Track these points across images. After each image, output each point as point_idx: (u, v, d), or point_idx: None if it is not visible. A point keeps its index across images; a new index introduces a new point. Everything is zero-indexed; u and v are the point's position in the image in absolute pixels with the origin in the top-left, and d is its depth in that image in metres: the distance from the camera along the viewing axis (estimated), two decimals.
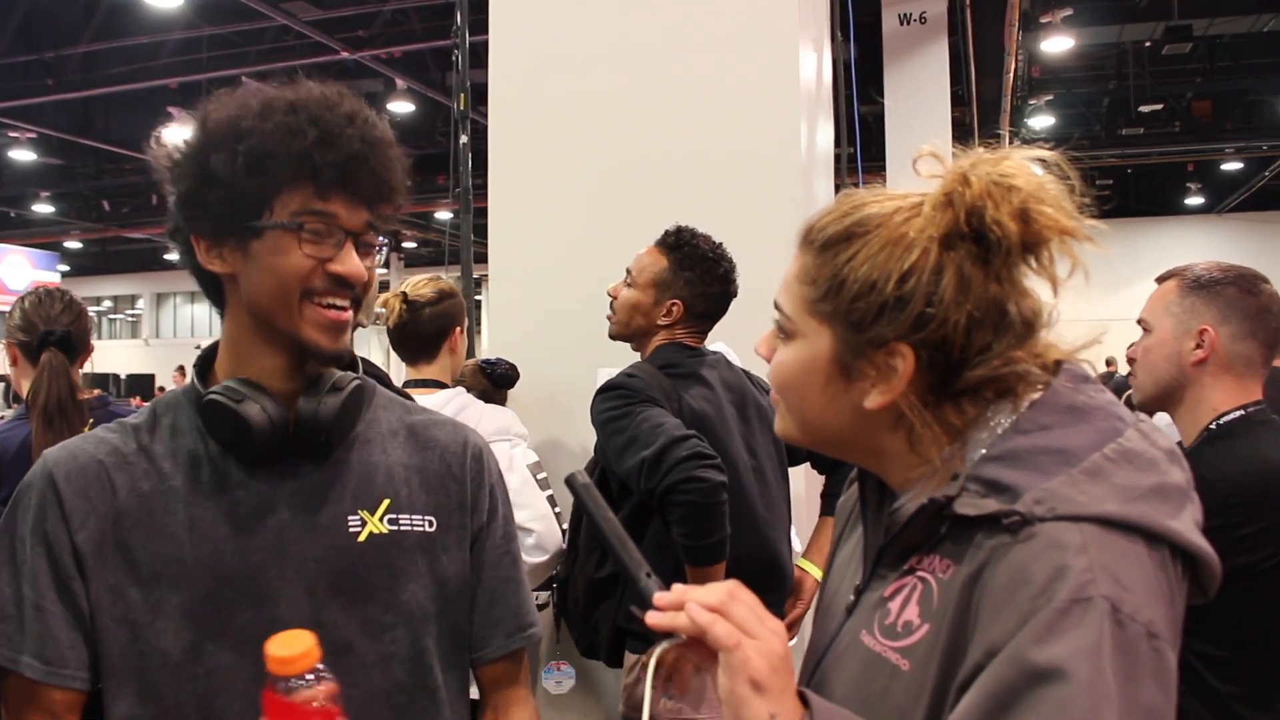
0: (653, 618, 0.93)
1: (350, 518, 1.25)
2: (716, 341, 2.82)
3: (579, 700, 3.06)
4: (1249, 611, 1.74)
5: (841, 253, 0.99)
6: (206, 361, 1.30)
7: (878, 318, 0.96)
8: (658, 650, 0.96)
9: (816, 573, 2.48)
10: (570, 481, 1.08)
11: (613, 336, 2.57)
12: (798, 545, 2.87)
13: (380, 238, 1.24)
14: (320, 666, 1.00)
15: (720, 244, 2.50)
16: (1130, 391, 2.05)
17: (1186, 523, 0.91)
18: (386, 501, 1.27)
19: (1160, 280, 2.06)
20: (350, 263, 1.19)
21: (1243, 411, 1.91)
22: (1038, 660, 0.83)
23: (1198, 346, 1.93)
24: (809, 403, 1.03)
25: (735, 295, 2.50)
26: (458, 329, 2.75)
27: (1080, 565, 0.85)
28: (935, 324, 0.95)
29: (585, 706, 3.07)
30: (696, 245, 2.45)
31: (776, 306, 1.05)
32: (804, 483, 3.02)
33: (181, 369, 16.67)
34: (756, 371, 2.59)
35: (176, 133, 1.23)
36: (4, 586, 1.19)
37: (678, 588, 0.95)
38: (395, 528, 1.27)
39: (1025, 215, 0.94)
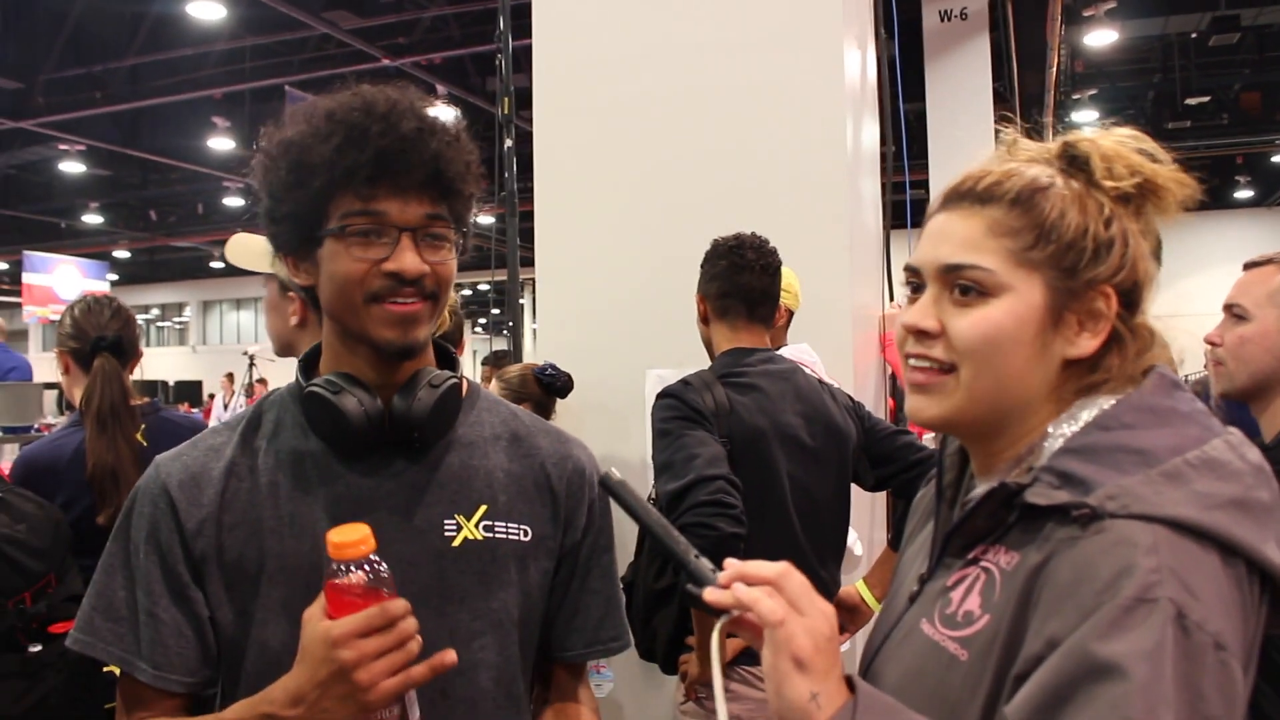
0: (710, 594, 0.94)
1: (446, 521, 1.25)
2: (801, 343, 2.78)
3: (627, 703, 3.06)
4: None
5: (1041, 203, 0.99)
6: (312, 359, 1.33)
7: (1093, 260, 0.98)
8: (719, 624, 0.96)
9: (872, 601, 2.44)
10: (604, 482, 1.09)
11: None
12: (859, 550, 2.83)
13: (451, 231, 1.23)
14: (375, 556, 1.05)
15: (743, 232, 2.43)
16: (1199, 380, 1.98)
17: (1269, 542, 0.88)
18: (483, 508, 1.28)
19: (1253, 265, 1.97)
20: (405, 259, 1.18)
21: None
22: (1098, 654, 0.81)
23: None
24: (1013, 359, 0.98)
25: (764, 270, 2.40)
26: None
27: (1148, 565, 0.83)
28: (1130, 267, 0.99)
29: (634, 710, 3.07)
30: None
31: (957, 268, 1.00)
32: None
33: (230, 376, 16.84)
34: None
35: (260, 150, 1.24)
36: (119, 589, 1.23)
37: (731, 563, 0.95)
38: (490, 535, 1.27)
39: (1168, 176, 1.01)
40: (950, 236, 1.02)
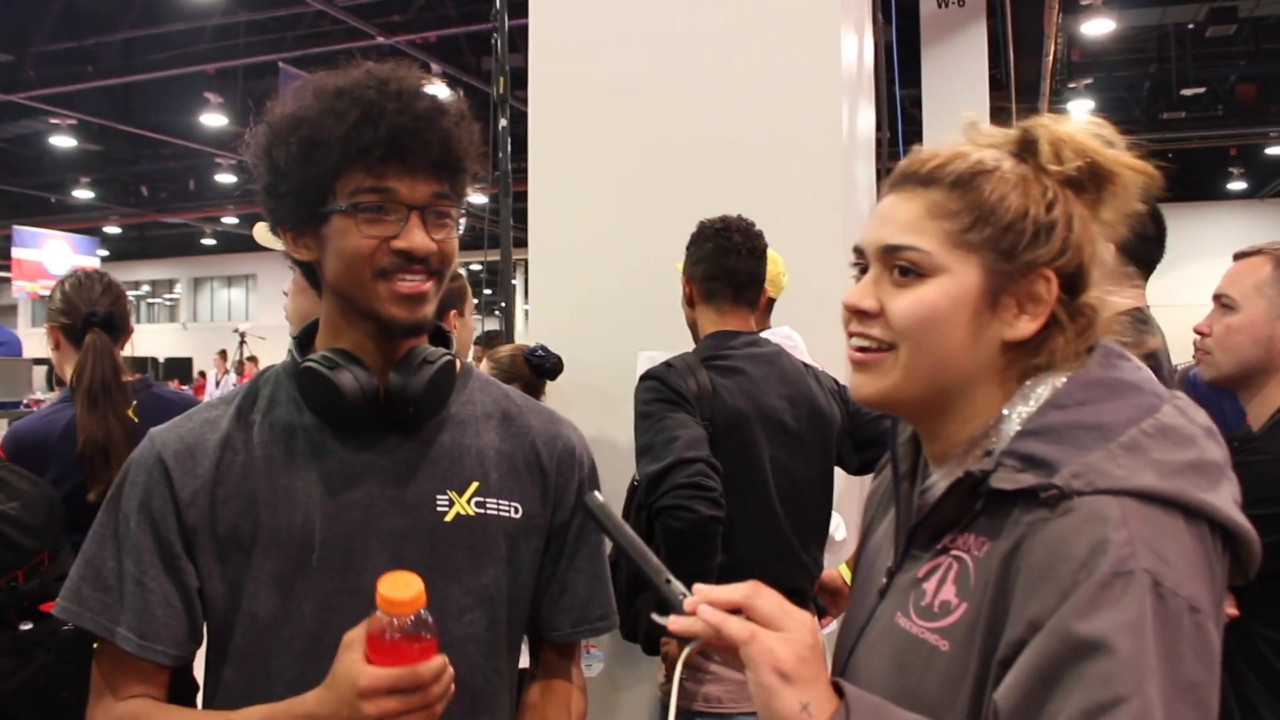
0: (674, 623, 0.94)
1: (439, 497, 1.27)
2: (783, 325, 2.77)
3: (614, 683, 3.06)
4: None
5: (981, 186, 0.99)
6: (307, 336, 1.34)
7: (1032, 243, 0.98)
8: (684, 652, 0.96)
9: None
10: (585, 504, 1.11)
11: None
12: (840, 535, 2.83)
13: (455, 209, 1.25)
14: (424, 610, 1.05)
15: (729, 215, 2.44)
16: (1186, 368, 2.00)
17: (1225, 499, 0.91)
18: (475, 484, 1.29)
19: (1242, 256, 1.99)
20: (414, 237, 1.19)
21: None
22: (1082, 633, 0.82)
23: None
24: (949, 340, 0.99)
25: (750, 253, 2.40)
26: (452, 312, 2.70)
27: (1120, 539, 0.85)
28: (1073, 251, 0.98)
29: (621, 690, 3.08)
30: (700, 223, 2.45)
31: (895, 249, 1.01)
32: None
33: (223, 353, 16.79)
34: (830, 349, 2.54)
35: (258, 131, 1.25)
36: (108, 559, 1.23)
37: (699, 588, 0.95)
38: (482, 511, 1.28)
39: (1122, 162, 1.00)
40: (892, 218, 1.02)
